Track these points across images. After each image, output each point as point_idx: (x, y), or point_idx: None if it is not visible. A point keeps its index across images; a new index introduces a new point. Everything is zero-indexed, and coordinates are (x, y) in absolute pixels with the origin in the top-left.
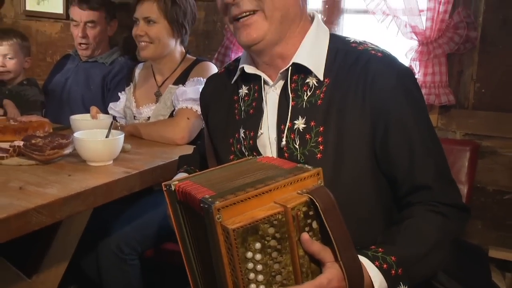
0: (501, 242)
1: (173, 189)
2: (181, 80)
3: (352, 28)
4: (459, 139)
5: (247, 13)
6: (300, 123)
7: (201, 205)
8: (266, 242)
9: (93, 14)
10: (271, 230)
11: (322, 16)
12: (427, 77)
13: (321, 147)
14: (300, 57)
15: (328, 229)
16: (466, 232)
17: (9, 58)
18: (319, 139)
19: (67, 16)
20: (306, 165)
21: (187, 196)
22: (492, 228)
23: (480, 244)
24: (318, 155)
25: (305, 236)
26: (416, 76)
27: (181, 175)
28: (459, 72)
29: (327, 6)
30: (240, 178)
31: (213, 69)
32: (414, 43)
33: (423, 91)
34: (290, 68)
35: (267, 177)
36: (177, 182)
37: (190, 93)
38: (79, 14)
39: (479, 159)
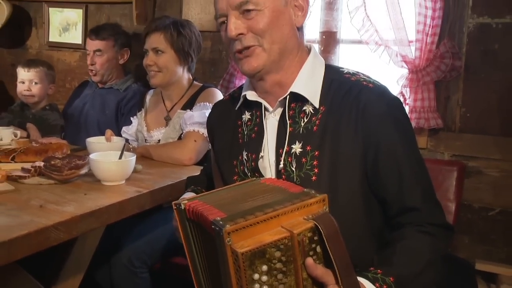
0: (486, 256)
1: (182, 208)
2: (189, 105)
3: (347, 57)
4: (447, 160)
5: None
6: (297, 148)
7: (212, 226)
8: (272, 265)
9: (100, 43)
10: (277, 254)
11: (320, 46)
12: (417, 103)
13: (316, 170)
14: (297, 87)
15: (331, 255)
16: (455, 247)
17: (35, 83)
18: (314, 163)
19: (84, 45)
20: (313, 191)
21: (198, 216)
22: (478, 242)
23: (467, 258)
24: (313, 178)
25: (310, 261)
26: (407, 102)
27: (189, 194)
28: (446, 98)
29: (324, 37)
30: (249, 200)
31: (218, 94)
32: (404, 71)
33: (414, 115)
34: (288, 96)
35: (275, 201)
36: (186, 201)
37: (197, 117)
38: (90, 44)
39: (466, 178)
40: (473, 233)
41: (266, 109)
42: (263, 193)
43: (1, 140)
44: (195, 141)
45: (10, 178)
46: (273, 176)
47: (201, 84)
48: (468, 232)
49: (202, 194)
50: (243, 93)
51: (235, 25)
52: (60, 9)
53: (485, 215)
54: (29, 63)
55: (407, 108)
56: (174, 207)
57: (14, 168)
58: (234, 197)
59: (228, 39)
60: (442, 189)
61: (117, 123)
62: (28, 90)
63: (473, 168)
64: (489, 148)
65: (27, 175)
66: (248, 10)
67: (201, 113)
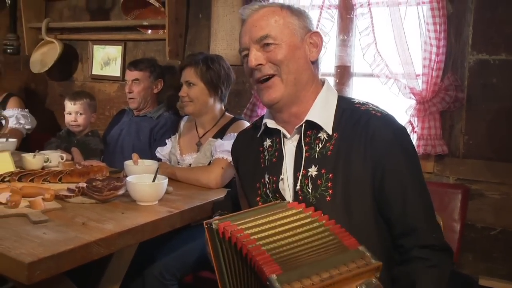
0: (489, 272)
1: (214, 228)
2: (220, 134)
3: (360, 89)
4: (452, 183)
5: (267, 76)
6: (313, 171)
7: (268, 283)
8: None
9: (138, 73)
10: None
11: (335, 79)
12: (424, 131)
13: (330, 191)
14: (312, 115)
15: None
16: (459, 264)
17: (80, 114)
18: (329, 184)
19: (122, 78)
20: (367, 253)
21: (247, 253)
22: (481, 260)
23: (471, 274)
24: (328, 198)
25: None
26: (415, 130)
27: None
28: (451, 126)
29: (339, 71)
30: (299, 245)
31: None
32: (412, 102)
33: (421, 142)
34: (304, 124)
35: (330, 262)
36: (218, 222)
37: (226, 145)
38: (129, 74)
39: (469, 200)
40: (477, 251)
41: (284, 135)
42: (312, 236)
43: (50, 162)
44: (222, 168)
45: (57, 197)
46: (292, 197)
47: (232, 116)
48: (472, 250)
49: (232, 214)
50: (264, 122)
51: (255, 56)
52: (103, 46)
53: (487, 234)
54: (75, 96)
55: (415, 136)
56: (205, 226)
57: (61, 188)
58: (277, 232)
59: (249, 69)
60: (448, 210)
61: (150, 148)
62: (74, 121)
63: (476, 191)
64: (490, 172)
65: (72, 194)
66: (268, 44)
67: (230, 142)
